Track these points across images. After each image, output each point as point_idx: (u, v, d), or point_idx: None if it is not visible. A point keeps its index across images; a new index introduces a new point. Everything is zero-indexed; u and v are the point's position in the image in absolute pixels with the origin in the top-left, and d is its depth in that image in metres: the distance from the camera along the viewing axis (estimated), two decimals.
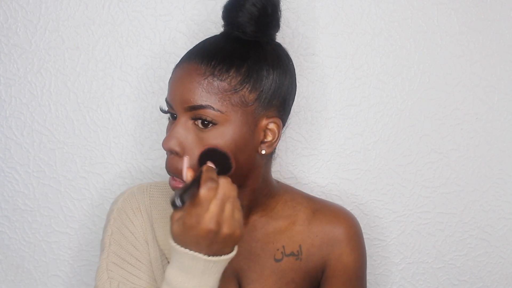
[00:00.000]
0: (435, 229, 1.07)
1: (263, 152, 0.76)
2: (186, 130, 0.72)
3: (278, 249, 0.82)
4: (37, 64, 0.97)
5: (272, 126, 0.76)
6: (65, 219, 1.01)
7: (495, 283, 1.10)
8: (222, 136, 0.72)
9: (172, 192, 0.79)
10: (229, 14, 0.77)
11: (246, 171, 0.77)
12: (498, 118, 1.05)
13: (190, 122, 0.72)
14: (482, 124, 1.05)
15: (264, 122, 0.75)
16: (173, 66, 0.83)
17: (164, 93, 0.98)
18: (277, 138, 0.77)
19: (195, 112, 0.71)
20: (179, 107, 0.73)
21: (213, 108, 0.71)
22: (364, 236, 1.05)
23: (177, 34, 0.97)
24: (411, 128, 1.03)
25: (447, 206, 1.07)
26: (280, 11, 0.78)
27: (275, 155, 0.84)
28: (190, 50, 0.76)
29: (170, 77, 0.76)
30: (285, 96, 0.77)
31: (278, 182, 0.88)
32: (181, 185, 0.72)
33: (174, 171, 0.73)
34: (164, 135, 0.98)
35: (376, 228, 1.06)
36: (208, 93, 0.71)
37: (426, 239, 1.07)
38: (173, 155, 0.73)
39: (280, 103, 0.76)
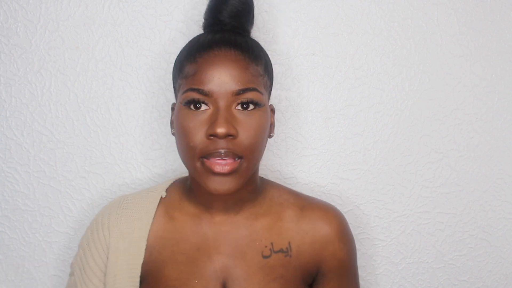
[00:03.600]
0: (435, 229, 1.07)
1: (272, 135, 0.82)
2: (231, 114, 0.74)
3: (266, 246, 0.81)
4: (37, 64, 0.97)
5: (272, 107, 0.84)
6: (65, 219, 1.01)
7: (495, 283, 1.10)
8: (262, 118, 0.76)
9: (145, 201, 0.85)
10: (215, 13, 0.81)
11: (259, 160, 0.80)
12: (498, 118, 1.05)
13: (233, 106, 0.74)
14: (482, 124, 1.05)
15: (269, 104, 0.82)
16: (172, 66, 0.83)
17: (164, 93, 0.98)
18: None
19: (243, 95, 0.74)
20: (226, 93, 0.73)
21: (258, 91, 0.75)
22: (364, 236, 1.05)
23: (177, 34, 0.97)
24: (411, 128, 1.03)
25: (447, 206, 1.07)
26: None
27: None
28: (213, 39, 0.77)
29: (200, 66, 0.75)
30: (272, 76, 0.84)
31: (262, 178, 0.88)
32: (233, 166, 0.73)
33: (228, 150, 0.73)
34: (164, 134, 0.99)
35: (376, 228, 1.06)
36: (254, 76, 0.76)
37: (426, 239, 1.07)
38: (227, 138, 0.73)
39: (270, 83, 0.83)
